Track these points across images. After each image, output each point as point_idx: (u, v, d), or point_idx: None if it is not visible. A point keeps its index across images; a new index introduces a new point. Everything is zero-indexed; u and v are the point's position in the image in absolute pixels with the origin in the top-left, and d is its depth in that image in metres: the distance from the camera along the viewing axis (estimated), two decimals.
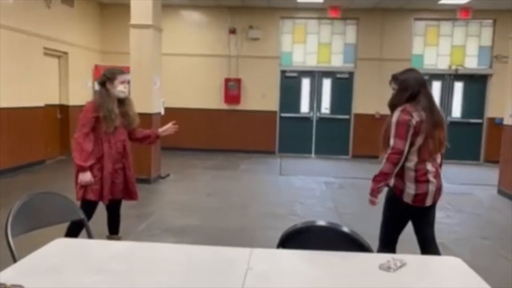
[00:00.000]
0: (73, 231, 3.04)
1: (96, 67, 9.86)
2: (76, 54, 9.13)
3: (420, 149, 2.73)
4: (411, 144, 2.71)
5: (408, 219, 2.89)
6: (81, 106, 9.49)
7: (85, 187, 3.23)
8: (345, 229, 2.04)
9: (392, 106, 2.84)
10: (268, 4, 9.83)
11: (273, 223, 4.87)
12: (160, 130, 3.68)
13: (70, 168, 8.62)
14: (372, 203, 2.85)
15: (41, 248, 1.93)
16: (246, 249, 1.89)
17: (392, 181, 2.82)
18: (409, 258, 1.77)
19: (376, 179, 2.80)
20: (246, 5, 9.98)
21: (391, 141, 2.71)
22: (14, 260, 1.84)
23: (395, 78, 2.87)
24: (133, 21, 6.49)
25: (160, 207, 5.51)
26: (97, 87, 3.45)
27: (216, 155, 9.67)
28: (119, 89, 3.28)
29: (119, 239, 3.55)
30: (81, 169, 3.18)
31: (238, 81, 10.23)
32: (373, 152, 9.87)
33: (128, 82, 3.46)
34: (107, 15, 10.26)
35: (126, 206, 5.57)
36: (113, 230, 3.58)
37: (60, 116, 8.87)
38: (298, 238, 2.07)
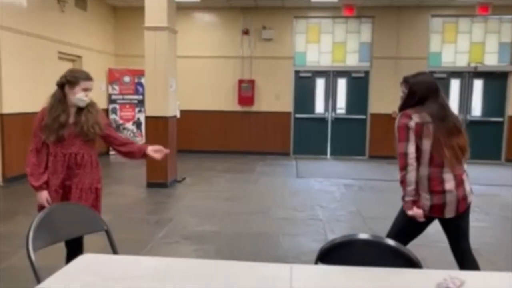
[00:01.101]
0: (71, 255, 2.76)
1: (110, 70, 9.82)
2: (90, 57, 9.08)
3: (432, 157, 2.57)
4: (419, 149, 2.57)
5: (423, 228, 2.70)
6: None
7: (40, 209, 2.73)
8: (391, 242, 1.90)
9: (401, 111, 2.70)
10: (282, 4, 9.69)
11: (295, 228, 4.74)
12: (150, 148, 3.01)
13: None
14: (414, 217, 2.59)
15: (67, 266, 1.83)
16: (286, 265, 1.76)
17: None
18: (466, 275, 1.62)
19: (402, 191, 2.62)
20: (259, 6, 9.86)
21: (397, 147, 2.62)
22: (38, 280, 1.72)
23: (406, 81, 2.75)
24: (147, 23, 6.40)
25: (178, 212, 5.40)
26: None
27: (230, 157, 9.55)
28: (79, 96, 2.76)
29: None
30: (33, 188, 2.78)
31: (251, 82, 10.10)
32: (390, 153, 9.69)
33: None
34: (121, 18, 10.22)
35: (144, 211, 5.51)
36: None
37: None
38: (338, 252, 1.93)
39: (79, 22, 8.71)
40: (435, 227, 2.99)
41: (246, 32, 10.02)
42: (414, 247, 2.39)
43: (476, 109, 9.93)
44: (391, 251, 1.87)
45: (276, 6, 9.84)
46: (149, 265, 1.81)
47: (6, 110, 6.55)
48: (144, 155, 3.02)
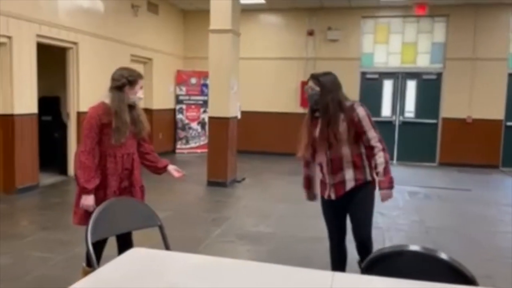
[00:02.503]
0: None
1: (178, 72, 10.22)
2: (160, 60, 9.52)
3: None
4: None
5: None
6: (165, 110, 9.77)
7: (85, 211, 2.71)
8: (444, 256, 1.76)
9: (325, 107, 2.80)
10: (349, 4, 9.47)
11: (352, 235, 4.60)
12: (171, 166, 3.05)
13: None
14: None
15: (118, 257, 1.91)
16: (327, 272, 1.70)
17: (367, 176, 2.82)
18: None
19: (389, 169, 2.75)
20: (325, 6, 9.72)
21: (374, 134, 2.76)
22: (93, 268, 1.84)
23: (316, 78, 2.88)
24: (212, 26, 6.57)
25: (235, 212, 5.48)
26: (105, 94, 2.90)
27: (290, 159, 9.39)
28: (139, 95, 2.81)
29: None
30: (84, 191, 2.68)
31: None
32: (463, 160, 9.18)
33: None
34: (189, 22, 10.60)
35: (202, 209, 5.65)
36: None
37: None
38: (385, 263, 1.84)
39: (151, 26, 9.16)
40: None
41: (311, 33, 9.93)
42: (482, 262, 2.22)
43: None
44: (443, 266, 1.74)
45: (343, 6, 9.64)
46: (192, 262, 1.85)
47: (83, 108, 7.06)
48: (164, 169, 3.02)
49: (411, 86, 9.77)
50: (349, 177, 2.80)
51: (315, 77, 2.89)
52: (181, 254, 2.10)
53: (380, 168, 2.71)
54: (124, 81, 2.78)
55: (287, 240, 4.42)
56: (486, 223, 5.14)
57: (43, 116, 6.91)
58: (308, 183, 3.18)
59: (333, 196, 2.88)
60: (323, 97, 2.81)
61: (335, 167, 2.82)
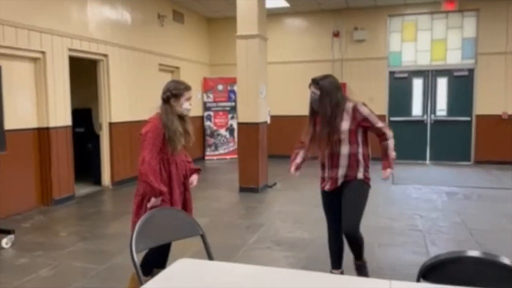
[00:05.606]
0: (150, 261, 2.91)
1: (205, 79, 10.29)
2: (187, 68, 9.60)
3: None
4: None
5: None
6: (193, 118, 9.74)
7: None
8: (506, 261, 1.67)
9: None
10: (374, 3, 9.33)
11: (392, 238, 4.48)
12: (195, 177, 3.22)
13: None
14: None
15: (166, 269, 1.90)
16: (384, 281, 1.63)
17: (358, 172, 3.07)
18: None
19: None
20: (350, 7, 9.60)
21: (382, 124, 3.06)
22: (140, 282, 1.82)
23: (316, 83, 3.08)
24: (239, 32, 6.58)
25: (269, 217, 5.43)
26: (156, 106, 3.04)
27: None
28: (185, 106, 2.95)
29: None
30: (161, 194, 2.83)
31: (343, 85, 9.80)
32: (499, 157, 8.86)
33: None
34: (214, 29, 10.67)
35: (236, 216, 5.63)
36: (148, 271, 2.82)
37: None
38: (442, 270, 1.75)
39: (177, 35, 9.26)
40: None
41: (336, 35, 9.83)
42: None
43: None
44: (507, 272, 1.64)
45: (368, 6, 9.51)
46: (240, 272, 1.81)
47: (114, 119, 7.18)
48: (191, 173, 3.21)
49: (442, 84, 9.52)
50: (341, 174, 3.04)
51: (315, 81, 3.08)
52: (228, 263, 2.07)
53: (391, 151, 3.07)
54: (168, 94, 2.92)
55: (324, 245, 4.27)
56: None
57: (76, 128, 7.06)
58: (295, 157, 3.45)
59: (327, 188, 3.13)
60: (322, 99, 3.02)
61: (333, 163, 3.06)
